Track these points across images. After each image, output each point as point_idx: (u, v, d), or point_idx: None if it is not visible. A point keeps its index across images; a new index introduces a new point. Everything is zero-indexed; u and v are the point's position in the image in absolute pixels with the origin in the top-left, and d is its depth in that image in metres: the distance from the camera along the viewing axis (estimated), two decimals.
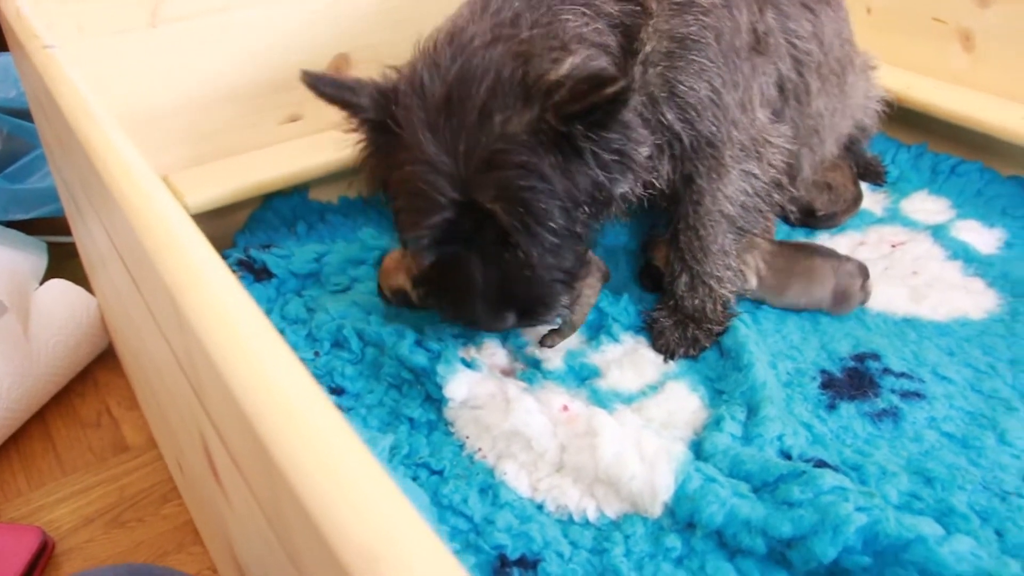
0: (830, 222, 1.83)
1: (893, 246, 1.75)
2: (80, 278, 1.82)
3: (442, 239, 1.21)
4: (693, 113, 1.33)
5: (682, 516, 1.15)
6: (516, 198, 1.14)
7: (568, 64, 1.15)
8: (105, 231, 1.07)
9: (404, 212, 1.22)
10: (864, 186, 1.96)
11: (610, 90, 1.06)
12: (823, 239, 1.79)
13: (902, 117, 2.06)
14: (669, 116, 1.31)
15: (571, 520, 1.19)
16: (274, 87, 1.81)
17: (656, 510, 1.17)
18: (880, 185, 1.99)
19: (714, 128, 1.35)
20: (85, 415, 1.69)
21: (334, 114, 1.91)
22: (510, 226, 1.16)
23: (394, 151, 1.21)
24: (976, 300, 1.59)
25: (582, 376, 1.43)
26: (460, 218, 1.17)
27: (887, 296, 1.61)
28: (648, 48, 1.29)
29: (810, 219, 1.83)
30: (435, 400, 1.36)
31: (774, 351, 1.47)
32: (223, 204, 1.72)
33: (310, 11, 1.80)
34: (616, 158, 1.19)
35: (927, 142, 2.06)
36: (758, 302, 1.60)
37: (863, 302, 1.58)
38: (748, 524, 1.10)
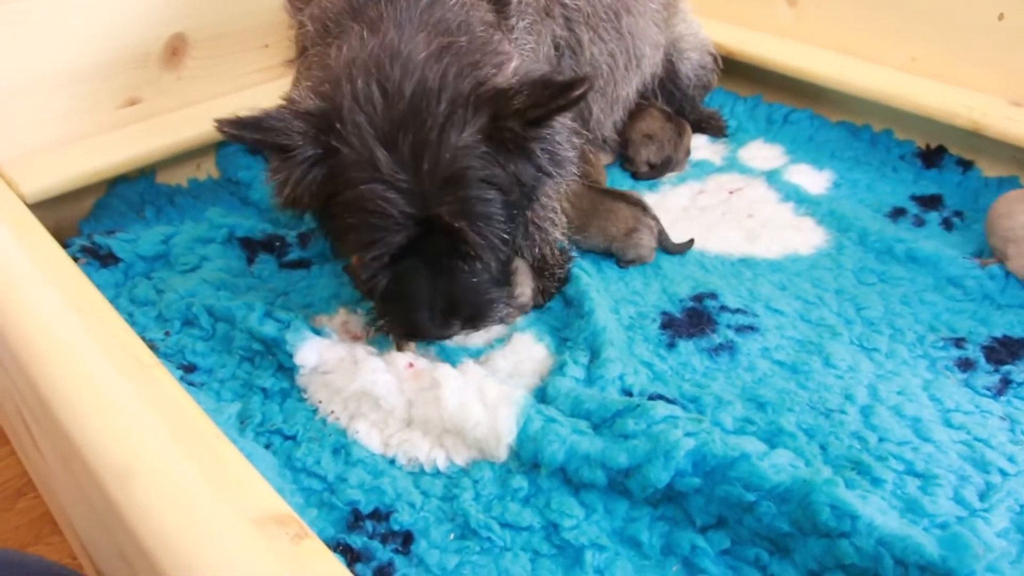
0: (671, 167, 1.91)
1: (731, 192, 1.84)
2: None
3: (397, 255, 1.19)
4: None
5: (526, 457, 1.19)
6: (479, 213, 1.17)
7: (512, 68, 1.18)
8: None
9: (355, 231, 1.17)
10: (704, 138, 2.05)
11: (577, 93, 1.09)
12: (666, 190, 1.86)
13: (738, 71, 2.15)
14: None
15: (422, 471, 1.23)
16: (110, 70, 1.76)
17: (502, 454, 1.21)
18: (721, 137, 2.08)
19: None
20: None
21: (174, 97, 1.89)
22: (474, 242, 1.17)
23: (339, 171, 1.16)
24: (806, 237, 1.69)
25: None
26: (415, 233, 1.17)
27: (725, 239, 1.69)
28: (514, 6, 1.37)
29: (654, 172, 1.90)
30: (287, 369, 1.37)
31: (617, 297, 1.53)
32: (63, 192, 1.67)
33: None
34: (551, 148, 1.22)
35: (762, 94, 2.16)
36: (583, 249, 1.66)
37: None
38: (588, 459, 1.15)
